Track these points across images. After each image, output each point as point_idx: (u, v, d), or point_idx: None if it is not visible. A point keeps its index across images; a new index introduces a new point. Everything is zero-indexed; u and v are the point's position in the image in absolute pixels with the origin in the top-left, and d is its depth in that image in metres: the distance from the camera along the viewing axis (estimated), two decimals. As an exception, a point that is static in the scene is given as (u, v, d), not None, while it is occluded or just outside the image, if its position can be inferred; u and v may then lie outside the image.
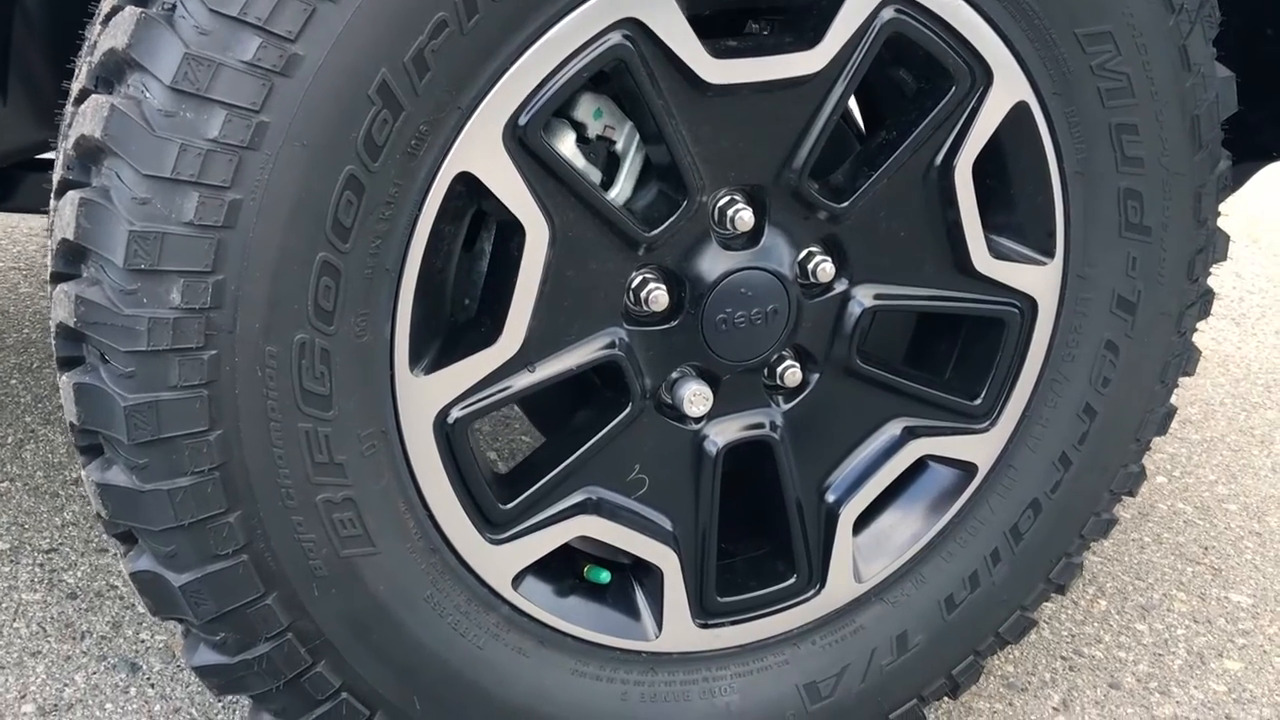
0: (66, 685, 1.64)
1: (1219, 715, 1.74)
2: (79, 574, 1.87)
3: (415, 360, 1.18)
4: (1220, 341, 3.03)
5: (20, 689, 1.63)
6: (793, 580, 1.43)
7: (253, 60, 1.02)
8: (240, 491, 1.12)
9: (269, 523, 1.14)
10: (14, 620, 1.76)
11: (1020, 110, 1.32)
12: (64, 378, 1.12)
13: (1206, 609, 1.98)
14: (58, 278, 1.11)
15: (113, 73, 1.06)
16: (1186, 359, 1.52)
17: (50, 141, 1.60)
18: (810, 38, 1.22)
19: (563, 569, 1.36)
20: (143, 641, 1.73)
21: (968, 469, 1.48)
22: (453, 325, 1.24)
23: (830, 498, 1.44)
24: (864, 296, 1.38)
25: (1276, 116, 1.80)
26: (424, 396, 1.20)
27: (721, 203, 1.29)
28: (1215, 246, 1.48)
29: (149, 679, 1.66)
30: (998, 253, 1.40)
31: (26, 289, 2.91)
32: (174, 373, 1.07)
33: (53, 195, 1.13)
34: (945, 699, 1.61)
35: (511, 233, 1.20)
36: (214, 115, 1.02)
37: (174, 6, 1.02)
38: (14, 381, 2.44)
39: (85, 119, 1.05)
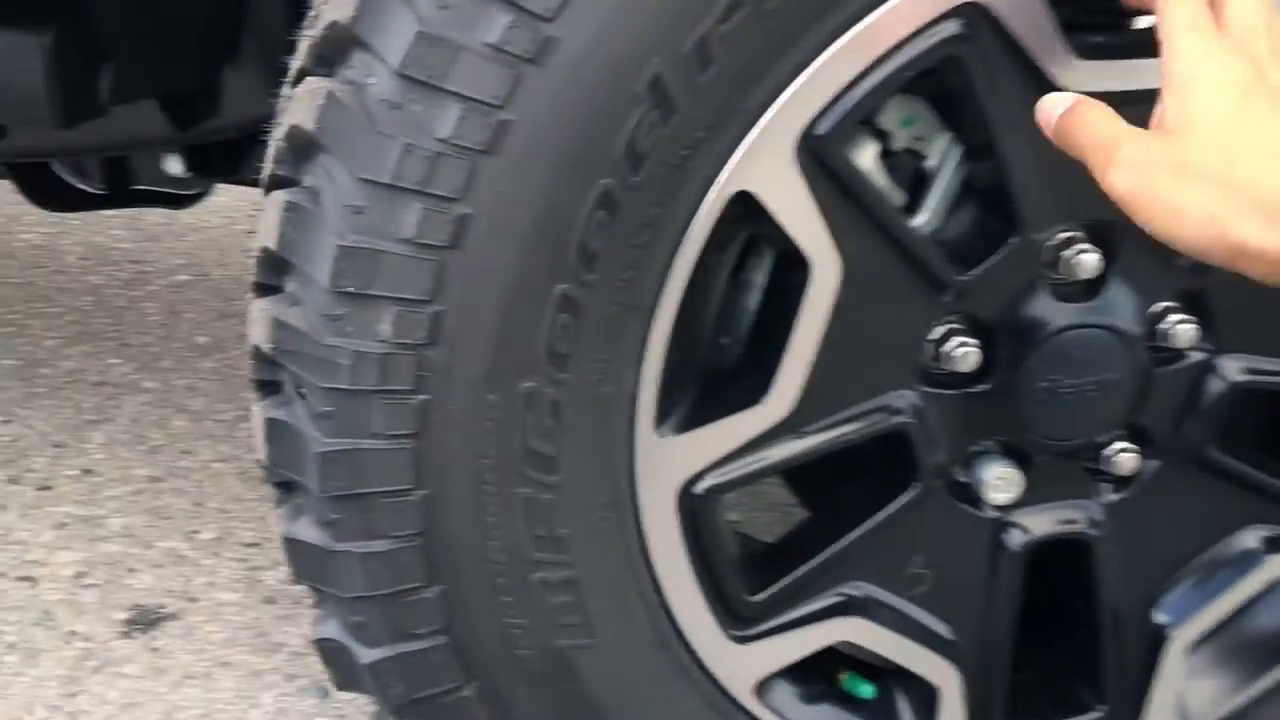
0: (253, 706, 1.52)
1: None
2: (279, 575, 1.75)
3: (662, 418, 0.96)
4: None
5: (205, 706, 1.51)
6: (1100, 714, 1.15)
7: (499, 43, 0.81)
8: (443, 564, 0.92)
9: (473, 602, 0.94)
10: (209, 622, 1.65)
11: None
12: (256, 407, 0.95)
13: None
14: (259, 290, 0.94)
15: (335, 52, 0.87)
16: None
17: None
18: (1210, 36, 0.93)
19: (813, 673, 1.12)
20: (336, 663, 1.60)
21: (1342, 595, 1.15)
22: (710, 377, 1.02)
23: (1159, 617, 1.15)
24: (1231, 369, 1.08)
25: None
26: (669, 462, 0.98)
27: (1058, 241, 1.02)
28: None
29: (339, 710, 1.52)
30: None
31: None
32: (377, 418, 0.88)
33: (263, 193, 0.96)
34: None
35: (791, 268, 0.96)
36: (447, 110, 0.82)
37: (410, -28, 0.82)
38: (237, 351, 2.38)
39: (299, 106, 0.88)
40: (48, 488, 1.93)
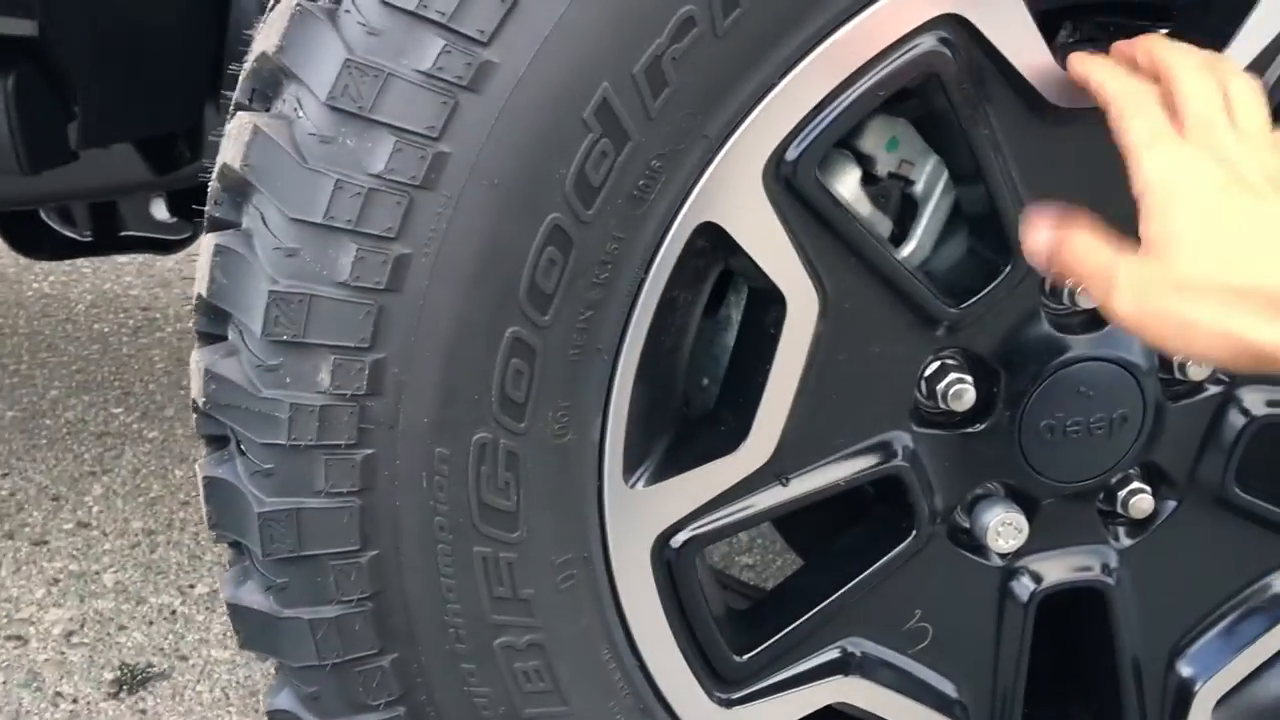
0: (239, 770, 1.46)
1: None
2: (273, 630, 1.69)
3: (631, 468, 0.90)
4: None
5: (189, 770, 1.46)
6: (1122, 776, 1.06)
7: (432, 70, 0.75)
8: (397, 630, 0.86)
9: (432, 671, 0.88)
10: (199, 681, 1.60)
11: None
12: (199, 463, 0.90)
13: None
14: (200, 339, 0.88)
15: (265, 84, 0.82)
16: None
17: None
18: (1212, 44, 0.86)
19: (810, 734, 1.04)
20: (327, 723, 1.53)
21: (1385, 644, 1.06)
22: (684, 422, 0.95)
23: (1183, 670, 1.06)
24: (1253, 402, 1.00)
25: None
26: (641, 514, 0.91)
27: (1058, 268, 0.94)
28: None
29: (327, 773, 1.45)
30: None
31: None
32: (319, 475, 0.82)
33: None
34: None
35: (767, 304, 0.90)
36: (380, 143, 0.76)
37: (338, -4, 0.77)
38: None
39: (230, 143, 0.82)
40: (43, 542, 1.89)
